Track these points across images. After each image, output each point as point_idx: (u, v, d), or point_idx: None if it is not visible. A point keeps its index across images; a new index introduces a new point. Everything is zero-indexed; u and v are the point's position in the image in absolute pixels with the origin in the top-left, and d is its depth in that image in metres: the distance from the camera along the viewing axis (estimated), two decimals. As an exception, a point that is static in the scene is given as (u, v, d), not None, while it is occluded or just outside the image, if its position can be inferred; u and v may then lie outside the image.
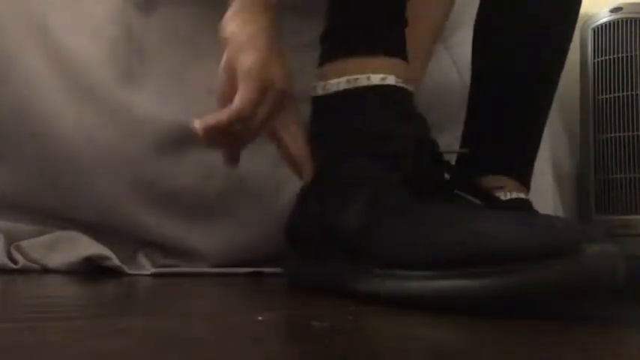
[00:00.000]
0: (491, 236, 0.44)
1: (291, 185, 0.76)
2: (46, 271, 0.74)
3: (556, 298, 0.43)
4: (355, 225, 0.51)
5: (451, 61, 0.93)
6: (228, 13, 0.59)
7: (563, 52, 0.71)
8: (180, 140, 0.77)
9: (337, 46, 0.57)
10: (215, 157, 0.80)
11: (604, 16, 1.20)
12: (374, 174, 0.52)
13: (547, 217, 0.50)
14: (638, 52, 1.15)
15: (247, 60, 0.55)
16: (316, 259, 0.55)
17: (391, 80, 0.55)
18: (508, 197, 0.65)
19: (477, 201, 0.56)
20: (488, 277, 0.43)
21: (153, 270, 0.76)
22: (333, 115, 0.56)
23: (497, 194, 0.63)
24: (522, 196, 0.67)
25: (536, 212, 0.61)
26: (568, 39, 0.71)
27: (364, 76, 0.55)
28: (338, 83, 0.56)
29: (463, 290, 0.44)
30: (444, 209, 0.49)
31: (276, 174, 0.80)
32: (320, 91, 0.57)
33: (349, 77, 0.55)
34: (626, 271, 0.43)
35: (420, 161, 0.52)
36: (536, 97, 0.71)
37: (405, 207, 0.50)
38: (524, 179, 0.70)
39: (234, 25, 0.57)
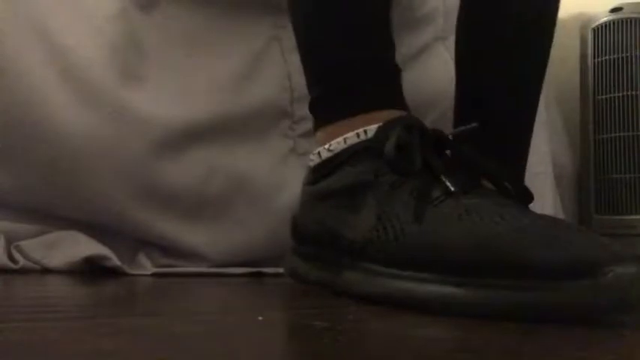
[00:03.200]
0: (511, 247, 0.42)
1: (291, 185, 0.76)
2: (46, 271, 0.74)
3: (575, 320, 0.40)
4: (362, 229, 0.50)
5: (451, 60, 0.93)
6: None
7: (549, 37, 0.70)
8: (181, 140, 0.77)
9: (338, 108, 0.56)
10: (215, 157, 0.80)
11: (604, 16, 1.20)
12: (382, 176, 0.51)
13: (570, 228, 0.47)
14: (638, 52, 1.15)
15: None
16: (318, 260, 0.55)
17: None
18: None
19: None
20: (501, 290, 0.41)
21: (153, 270, 0.76)
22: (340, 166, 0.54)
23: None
24: None
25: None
26: (553, 23, 0.70)
27: (374, 126, 0.53)
28: (345, 139, 0.54)
29: (473, 300, 0.42)
30: (456, 210, 0.46)
31: (276, 174, 0.80)
32: (326, 154, 0.55)
33: (358, 131, 0.53)
34: None
35: (429, 157, 0.51)
36: (523, 85, 0.70)
37: (414, 208, 0.48)
38: (518, 169, 0.69)
39: None
